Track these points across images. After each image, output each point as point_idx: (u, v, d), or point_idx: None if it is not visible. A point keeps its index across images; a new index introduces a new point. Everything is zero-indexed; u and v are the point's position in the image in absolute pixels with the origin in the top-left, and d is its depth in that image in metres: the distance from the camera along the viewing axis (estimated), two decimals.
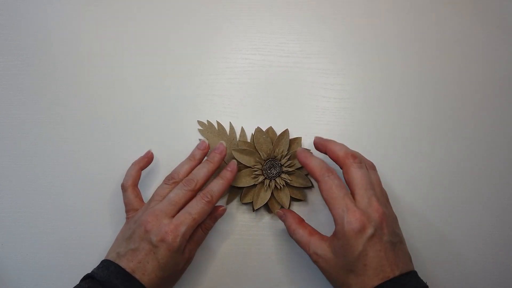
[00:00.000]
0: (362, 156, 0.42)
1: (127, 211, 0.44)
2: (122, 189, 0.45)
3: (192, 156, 0.45)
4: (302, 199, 0.48)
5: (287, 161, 0.47)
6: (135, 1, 0.53)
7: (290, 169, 0.47)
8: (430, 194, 0.49)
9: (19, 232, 0.48)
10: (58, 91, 0.51)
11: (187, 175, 0.43)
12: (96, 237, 0.47)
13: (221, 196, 0.43)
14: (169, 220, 0.39)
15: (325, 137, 0.48)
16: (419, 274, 0.39)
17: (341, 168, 0.40)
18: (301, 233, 0.41)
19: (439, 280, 0.47)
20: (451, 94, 0.51)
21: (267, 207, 0.48)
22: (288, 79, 0.51)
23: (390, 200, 0.43)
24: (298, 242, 0.41)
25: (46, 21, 0.52)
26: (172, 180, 0.43)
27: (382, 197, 0.40)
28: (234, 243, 0.48)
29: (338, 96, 0.51)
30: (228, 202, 0.48)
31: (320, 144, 0.43)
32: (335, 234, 0.38)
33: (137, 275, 0.37)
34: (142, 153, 0.48)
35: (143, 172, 0.47)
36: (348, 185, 0.39)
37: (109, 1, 0.53)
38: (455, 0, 0.53)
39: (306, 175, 0.47)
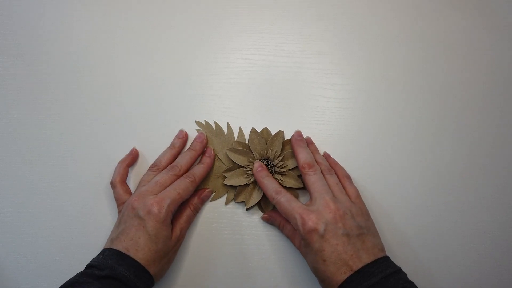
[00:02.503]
0: (323, 162, 0.46)
1: (118, 206, 0.45)
2: (111, 186, 0.46)
3: (172, 145, 0.48)
4: None
5: (280, 161, 0.47)
6: (135, 1, 0.53)
7: (282, 170, 0.47)
8: (429, 194, 0.49)
9: (19, 232, 0.48)
10: (58, 91, 0.51)
11: (169, 163, 0.46)
12: (96, 237, 0.47)
13: (203, 178, 0.46)
14: (154, 196, 0.42)
15: (324, 137, 0.50)
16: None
17: None
18: (289, 228, 0.45)
19: (439, 280, 0.47)
20: (452, 94, 0.51)
21: (260, 207, 0.48)
22: (288, 79, 0.51)
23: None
24: (288, 236, 0.45)
25: (46, 21, 0.52)
26: (155, 167, 0.46)
27: (341, 195, 0.42)
28: (234, 243, 0.48)
29: (338, 96, 0.51)
30: (226, 203, 0.48)
31: (292, 146, 0.47)
32: (299, 237, 0.41)
33: (131, 253, 0.39)
34: (140, 153, 0.49)
35: (143, 171, 0.47)
36: (307, 190, 0.44)
37: (109, 1, 0.53)
38: (457, 0, 0.53)
39: (299, 176, 0.47)
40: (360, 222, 0.40)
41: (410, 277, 0.38)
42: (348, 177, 0.47)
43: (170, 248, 0.42)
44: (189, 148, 0.48)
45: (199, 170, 0.46)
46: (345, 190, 0.44)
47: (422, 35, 0.52)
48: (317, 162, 0.45)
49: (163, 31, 0.52)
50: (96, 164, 0.49)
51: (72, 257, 0.48)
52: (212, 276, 0.47)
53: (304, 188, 0.48)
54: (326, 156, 0.49)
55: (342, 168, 0.48)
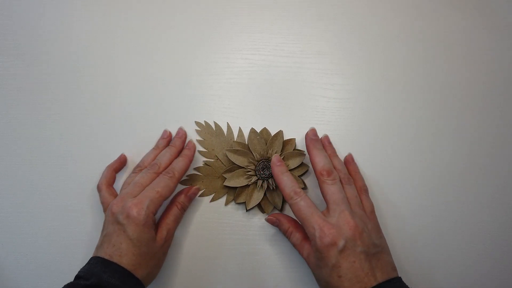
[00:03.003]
0: (342, 169, 0.44)
1: (104, 210, 0.44)
2: (97, 189, 0.46)
3: (156, 145, 0.48)
4: None
5: None
6: (135, 1, 0.53)
7: None
8: (429, 194, 0.49)
9: (19, 232, 0.48)
10: (58, 91, 0.51)
11: None
12: (96, 237, 0.47)
13: (184, 173, 0.45)
14: (133, 198, 0.41)
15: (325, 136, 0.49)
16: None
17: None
18: (297, 236, 0.42)
19: (439, 280, 0.47)
20: (452, 94, 0.51)
21: (260, 207, 0.48)
22: (288, 79, 0.51)
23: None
24: (294, 245, 0.43)
25: (46, 21, 0.52)
26: (138, 168, 0.46)
27: (359, 210, 0.41)
28: (234, 243, 0.48)
29: (338, 96, 0.51)
30: (226, 203, 0.48)
31: (307, 147, 0.45)
32: (312, 248, 0.39)
33: (115, 259, 0.38)
34: (140, 153, 0.49)
35: None
36: (324, 199, 0.41)
37: (109, 1, 0.53)
38: (457, 1, 0.53)
39: (299, 176, 0.47)
40: (375, 239, 0.40)
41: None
42: (366, 190, 0.45)
43: (157, 250, 0.41)
44: (169, 145, 0.47)
45: (178, 164, 0.45)
46: (362, 204, 0.43)
47: (422, 35, 0.52)
48: (334, 168, 0.43)
49: (163, 31, 0.52)
50: (96, 164, 0.49)
51: (72, 257, 0.48)
52: (211, 276, 0.47)
53: (305, 188, 0.48)
54: (350, 160, 0.47)
55: (362, 179, 0.46)
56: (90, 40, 0.52)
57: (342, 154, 0.49)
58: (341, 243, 0.37)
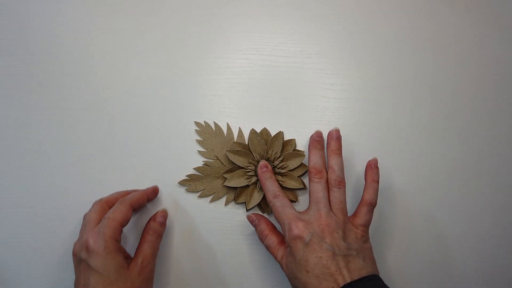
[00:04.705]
0: (337, 170, 0.43)
1: None
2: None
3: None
4: (294, 200, 0.48)
5: (280, 162, 0.47)
6: (135, 2, 0.53)
7: (282, 171, 0.47)
8: (429, 194, 0.49)
9: (19, 232, 0.48)
10: (59, 91, 0.51)
11: None
12: None
13: (138, 202, 0.44)
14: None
15: (324, 137, 0.49)
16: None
17: None
18: (273, 239, 0.43)
19: (439, 280, 0.47)
20: (451, 94, 0.51)
21: (260, 207, 0.48)
22: (288, 79, 0.51)
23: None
24: (268, 247, 0.43)
25: (47, 20, 0.52)
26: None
27: (341, 215, 0.41)
28: (234, 243, 0.48)
29: (338, 96, 0.51)
30: (226, 203, 0.48)
31: (309, 146, 0.46)
32: (286, 244, 0.41)
33: None
34: (139, 153, 0.49)
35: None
36: (308, 195, 0.43)
37: (109, 1, 0.53)
38: (454, 1, 0.53)
39: (299, 176, 0.47)
40: (351, 244, 0.39)
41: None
42: (370, 204, 0.42)
43: (133, 277, 0.39)
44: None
45: (133, 194, 0.44)
46: (356, 214, 0.42)
47: (423, 35, 0.52)
48: (329, 168, 0.43)
49: (162, 32, 0.52)
50: (96, 164, 0.49)
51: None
52: (212, 277, 0.47)
53: (304, 188, 0.48)
54: (371, 165, 0.45)
55: (373, 192, 0.43)
56: (90, 41, 0.52)
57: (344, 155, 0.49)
58: (307, 236, 0.38)
